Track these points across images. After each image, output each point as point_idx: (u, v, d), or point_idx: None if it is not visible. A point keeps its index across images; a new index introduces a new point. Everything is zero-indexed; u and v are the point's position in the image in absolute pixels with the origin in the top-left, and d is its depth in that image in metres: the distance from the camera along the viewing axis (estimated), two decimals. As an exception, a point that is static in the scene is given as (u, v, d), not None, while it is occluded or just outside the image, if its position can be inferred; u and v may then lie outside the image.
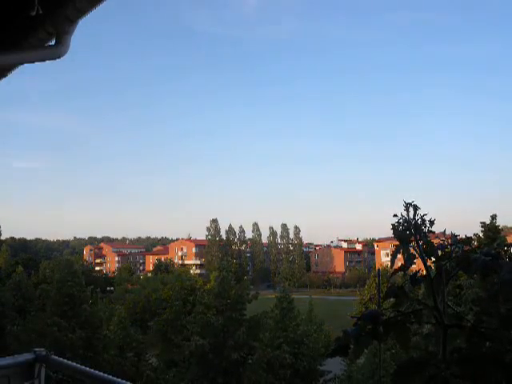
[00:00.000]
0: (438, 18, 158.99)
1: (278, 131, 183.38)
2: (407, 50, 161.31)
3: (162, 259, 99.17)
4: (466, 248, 1.47)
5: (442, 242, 1.54)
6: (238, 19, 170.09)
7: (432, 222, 1.54)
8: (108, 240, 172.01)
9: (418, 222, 1.53)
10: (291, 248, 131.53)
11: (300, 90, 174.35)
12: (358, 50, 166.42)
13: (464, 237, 1.56)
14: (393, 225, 1.55)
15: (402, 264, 1.57)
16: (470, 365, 1.23)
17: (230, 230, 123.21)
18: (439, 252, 1.50)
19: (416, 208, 1.54)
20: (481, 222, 21.80)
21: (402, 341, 1.47)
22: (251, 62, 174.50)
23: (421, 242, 1.50)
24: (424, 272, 1.50)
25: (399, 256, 1.61)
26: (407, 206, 1.54)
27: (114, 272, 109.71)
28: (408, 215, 1.53)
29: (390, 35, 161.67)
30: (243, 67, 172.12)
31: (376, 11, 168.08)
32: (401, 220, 1.55)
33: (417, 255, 1.52)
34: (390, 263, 1.73)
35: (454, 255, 1.46)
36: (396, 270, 1.58)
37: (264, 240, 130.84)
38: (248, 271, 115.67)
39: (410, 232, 1.52)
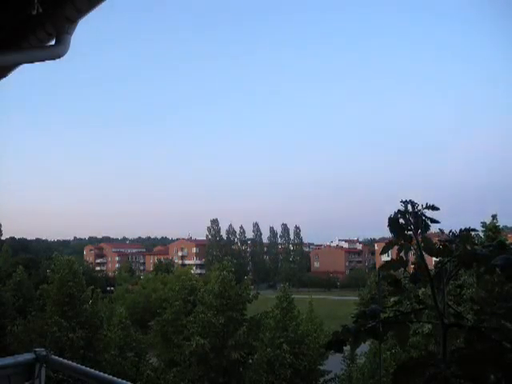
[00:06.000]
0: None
1: (275, 131, 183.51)
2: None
3: (162, 259, 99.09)
4: (467, 245, 1.43)
5: (441, 239, 1.49)
6: None
7: (434, 207, 1.48)
8: (108, 240, 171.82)
9: (418, 214, 1.47)
10: (291, 248, 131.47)
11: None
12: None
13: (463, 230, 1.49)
14: (389, 218, 1.50)
15: (392, 259, 1.52)
16: (470, 365, 1.23)
17: (230, 230, 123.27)
18: (439, 249, 1.46)
19: (414, 205, 1.48)
20: (481, 222, 21.75)
21: (400, 339, 1.47)
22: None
23: (420, 240, 1.47)
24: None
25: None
26: (405, 203, 1.49)
27: (114, 272, 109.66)
28: (406, 210, 1.49)
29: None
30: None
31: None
32: (398, 213, 1.48)
33: (414, 250, 1.47)
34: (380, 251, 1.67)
35: (455, 253, 1.42)
36: (390, 263, 1.53)
37: (264, 240, 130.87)
38: (248, 271, 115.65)
39: (408, 224, 1.47)
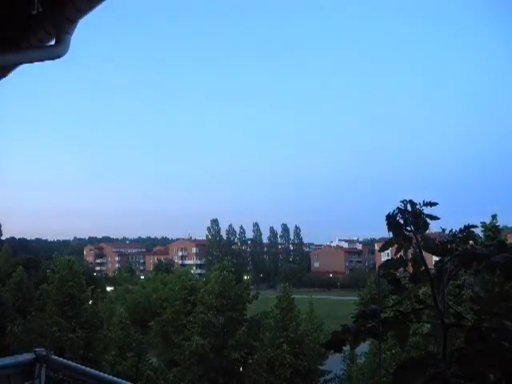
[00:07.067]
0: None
1: (275, 131, 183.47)
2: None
3: (162, 259, 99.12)
4: (468, 245, 1.42)
5: (440, 239, 1.47)
6: None
7: (432, 203, 1.46)
8: (108, 240, 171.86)
9: (416, 212, 1.45)
10: (291, 248, 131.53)
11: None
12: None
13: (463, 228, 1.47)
14: (387, 215, 1.49)
15: (392, 258, 1.51)
16: (470, 365, 1.23)
17: (230, 230, 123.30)
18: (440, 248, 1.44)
19: (413, 204, 1.47)
20: (481, 222, 21.74)
21: (400, 339, 1.47)
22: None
23: (420, 239, 1.46)
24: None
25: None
26: (404, 203, 1.47)
27: (114, 272, 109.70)
28: (405, 209, 1.47)
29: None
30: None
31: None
32: (397, 211, 1.46)
33: (413, 248, 1.45)
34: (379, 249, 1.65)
35: (456, 252, 1.41)
36: (389, 262, 1.52)
37: (264, 240, 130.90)
38: (248, 271, 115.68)
39: (407, 223, 1.46)
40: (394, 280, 1.50)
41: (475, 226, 1.49)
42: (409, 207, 1.47)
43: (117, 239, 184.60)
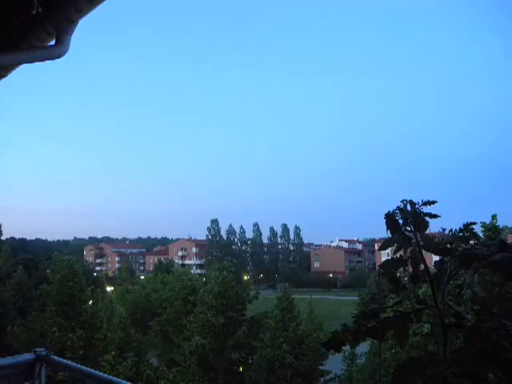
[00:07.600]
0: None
1: (274, 131, 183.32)
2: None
3: (162, 259, 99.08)
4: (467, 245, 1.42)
5: (439, 239, 1.47)
6: None
7: (431, 202, 1.46)
8: (108, 240, 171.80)
9: (416, 211, 1.44)
10: (291, 248, 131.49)
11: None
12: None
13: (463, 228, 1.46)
14: (386, 214, 1.48)
15: (392, 257, 1.50)
16: (470, 365, 1.23)
17: (230, 230, 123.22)
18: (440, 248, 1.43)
19: (413, 204, 1.46)
20: (481, 222, 21.70)
21: (400, 338, 1.47)
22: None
23: (419, 238, 1.45)
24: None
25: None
26: (404, 203, 1.46)
27: (114, 272, 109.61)
28: (405, 208, 1.46)
29: None
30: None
31: None
32: (396, 210, 1.46)
33: (413, 247, 1.45)
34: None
35: (456, 253, 1.41)
36: (389, 262, 1.51)
37: (264, 240, 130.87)
38: (248, 271, 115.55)
39: (407, 223, 1.45)
40: (394, 279, 1.50)
41: (474, 223, 1.48)
42: (408, 207, 1.47)
43: (117, 239, 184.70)
